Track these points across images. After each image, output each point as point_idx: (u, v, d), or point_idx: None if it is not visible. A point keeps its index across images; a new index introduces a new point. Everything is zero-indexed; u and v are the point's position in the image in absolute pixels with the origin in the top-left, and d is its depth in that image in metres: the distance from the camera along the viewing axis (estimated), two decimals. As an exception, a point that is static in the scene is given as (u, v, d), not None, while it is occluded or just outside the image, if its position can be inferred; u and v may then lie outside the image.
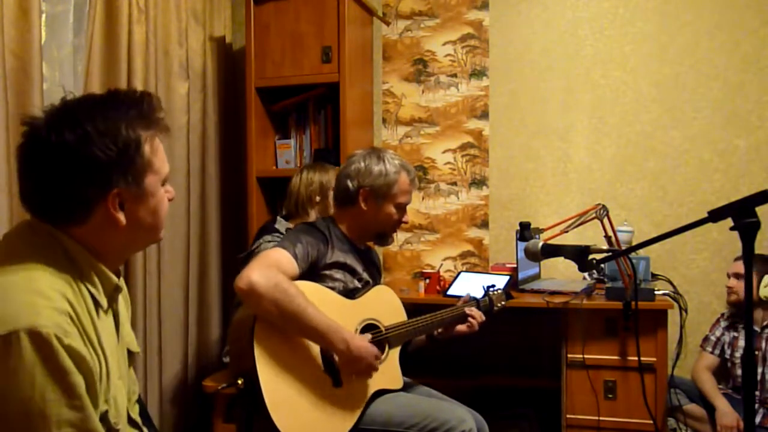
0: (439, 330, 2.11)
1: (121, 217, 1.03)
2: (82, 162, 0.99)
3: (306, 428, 1.69)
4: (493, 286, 2.30)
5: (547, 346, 2.93)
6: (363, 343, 1.76)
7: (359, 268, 2.00)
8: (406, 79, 3.34)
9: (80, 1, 2.52)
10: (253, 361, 1.63)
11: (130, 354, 1.22)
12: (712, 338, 2.79)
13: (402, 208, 2.05)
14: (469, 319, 2.09)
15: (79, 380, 0.92)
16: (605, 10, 3.09)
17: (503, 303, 2.29)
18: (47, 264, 0.98)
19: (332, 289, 1.88)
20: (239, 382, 1.64)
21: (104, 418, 1.00)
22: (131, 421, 1.16)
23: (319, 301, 1.74)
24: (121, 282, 1.13)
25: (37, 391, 0.88)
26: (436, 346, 2.17)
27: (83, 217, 1.02)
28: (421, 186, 3.32)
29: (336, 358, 1.77)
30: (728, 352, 2.73)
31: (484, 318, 2.12)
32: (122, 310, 1.20)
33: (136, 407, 1.22)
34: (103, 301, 1.05)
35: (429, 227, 3.33)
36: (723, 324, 2.79)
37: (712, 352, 2.77)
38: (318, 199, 2.60)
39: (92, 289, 1.02)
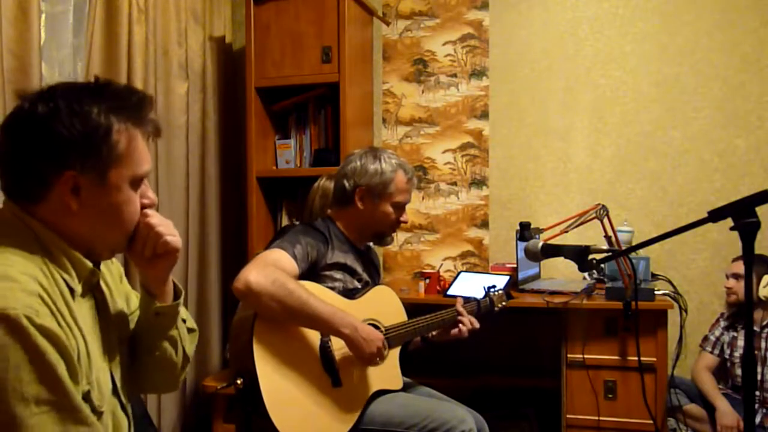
0: (433, 333, 2.10)
1: (73, 203, 1.00)
2: (44, 134, 0.98)
3: (305, 428, 1.69)
4: (494, 286, 2.29)
5: (547, 346, 2.92)
6: (370, 328, 1.76)
7: (359, 269, 2.00)
8: (406, 79, 3.34)
9: (80, 1, 2.51)
10: (253, 360, 1.63)
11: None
12: (712, 338, 2.79)
13: (400, 208, 2.04)
14: (460, 325, 2.04)
15: (54, 359, 0.91)
16: (605, 10, 3.09)
17: (504, 303, 2.28)
18: (16, 248, 0.97)
19: (332, 289, 1.87)
20: (238, 381, 1.64)
21: (87, 398, 0.99)
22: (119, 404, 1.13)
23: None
24: (104, 269, 1.11)
25: (11, 373, 0.87)
26: (430, 348, 2.15)
27: (39, 195, 1.00)
28: (421, 186, 3.32)
29: (336, 351, 1.77)
30: (728, 351, 2.73)
31: (476, 326, 2.06)
32: (113, 285, 1.19)
33: (122, 387, 1.19)
34: (77, 287, 1.03)
35: (429, 227, 3.33)
36: (722, 324, 2.79)
37: (711, 352, 2.77)
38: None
39: (64, 275, 1.01)
